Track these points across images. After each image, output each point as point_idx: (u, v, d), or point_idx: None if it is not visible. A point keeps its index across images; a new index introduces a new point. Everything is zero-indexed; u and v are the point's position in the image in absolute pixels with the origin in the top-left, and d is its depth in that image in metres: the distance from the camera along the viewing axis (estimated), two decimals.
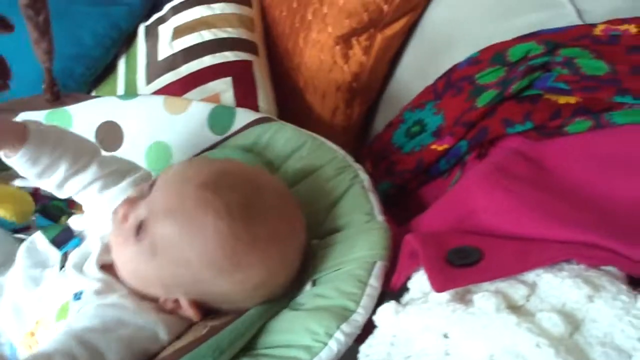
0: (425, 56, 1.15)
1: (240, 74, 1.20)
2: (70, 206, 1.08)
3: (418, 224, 0.88)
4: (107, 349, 0.78)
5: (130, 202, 0.85)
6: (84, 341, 0.77)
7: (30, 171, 0.91)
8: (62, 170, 0.91)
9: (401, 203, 0.98)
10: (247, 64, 1.21)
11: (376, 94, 1.26)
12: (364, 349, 0.74)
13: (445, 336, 0.69)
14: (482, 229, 0.77)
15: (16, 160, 0.89)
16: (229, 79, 1.19)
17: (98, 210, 0.95)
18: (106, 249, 0.89)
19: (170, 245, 0.80)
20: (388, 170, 0.99)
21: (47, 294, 0.89)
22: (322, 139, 0.99)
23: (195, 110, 1.06)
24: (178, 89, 1.20)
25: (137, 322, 0.81)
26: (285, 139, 0.99)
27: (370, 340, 0.74)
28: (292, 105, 1.25)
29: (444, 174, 0.95)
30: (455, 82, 0.97)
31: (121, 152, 1.08)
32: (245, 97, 1.18)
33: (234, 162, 0.95)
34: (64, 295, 0.87)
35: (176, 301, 0.83)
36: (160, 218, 0.81)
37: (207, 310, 0.84)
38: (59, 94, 1.11)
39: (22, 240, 1.00)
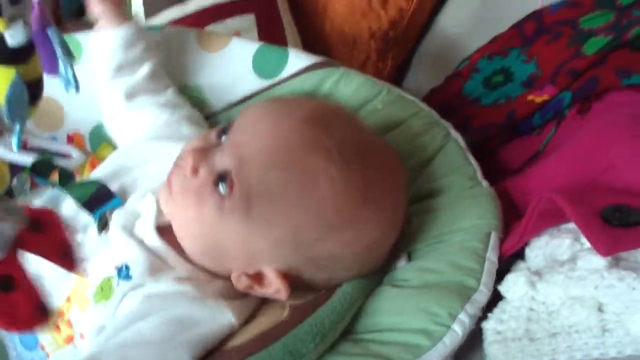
0: (476, 5, 1.05)
1: (264, 12, 1.04)
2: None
3: (520, 182, 0.79)
4: None
5: (199, 152, 0.69)
6: None
7: (117, 55, 0.83)
8: (143, 72, 0.85)
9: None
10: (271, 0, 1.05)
11: (411, 47, 1.14)
12: (493, 325, 0.66)
13: (600, 309, 0.61)
14: (624, 187, 0.69)
15: (114, 33, 0.83)
16: (251, 17, 1.03)
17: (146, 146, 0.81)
18: None
19: (270, 195, 0.65)
20: (463, 126, 0.88)
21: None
22: (399, 90, 0.86)
23: (236, 49, 0.89)
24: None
25: (202, 315, 0.66)
26: (354, 87, 0.85)
27: (499, 314, 0.67)
28: (312, 53, 1.11)
29: (535, 131, 0.86)
30: (550, 26, 0.88)
31: None
32: (273, 38, 1.02)
33: (329, 101, 0.82)
34: (105, 268, 0.70)
35: (256, 275, 0.68)
36: (257, 162, 0.66)
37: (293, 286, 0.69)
38: (62, 19, 0.94)
39: None
